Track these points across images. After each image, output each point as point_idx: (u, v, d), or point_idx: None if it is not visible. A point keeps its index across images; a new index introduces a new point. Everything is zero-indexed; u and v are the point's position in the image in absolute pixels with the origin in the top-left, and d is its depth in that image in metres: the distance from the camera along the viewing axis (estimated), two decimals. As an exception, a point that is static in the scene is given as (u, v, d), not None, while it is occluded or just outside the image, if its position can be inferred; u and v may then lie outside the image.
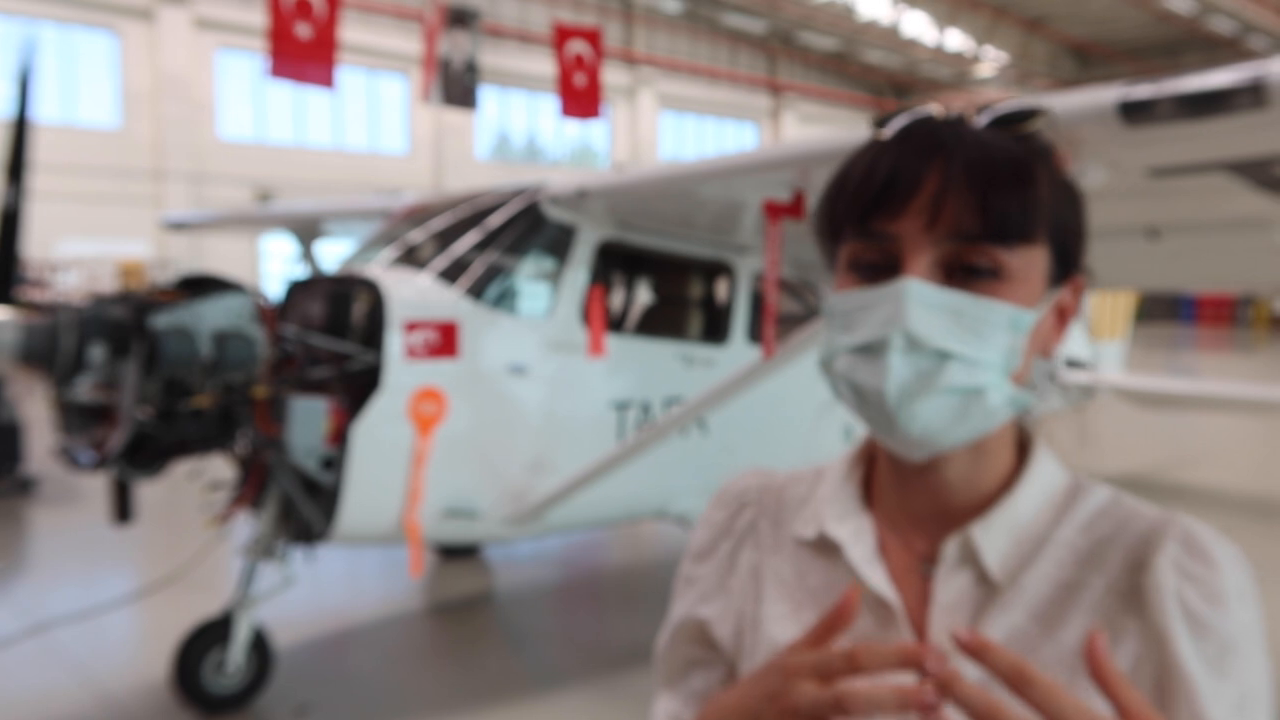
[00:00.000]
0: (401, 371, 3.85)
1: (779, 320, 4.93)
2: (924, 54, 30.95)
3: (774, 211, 3.47)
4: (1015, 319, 0.86)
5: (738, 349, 4.83)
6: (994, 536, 0.90)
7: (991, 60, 30.87)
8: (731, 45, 31.78)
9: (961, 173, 0.84)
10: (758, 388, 4.16)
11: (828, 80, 35.24)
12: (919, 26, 28.34)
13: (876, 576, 0.93)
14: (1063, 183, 0.90)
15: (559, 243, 4.41)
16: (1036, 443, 0.97)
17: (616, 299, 5.20)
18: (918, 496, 0.95)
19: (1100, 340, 8.59)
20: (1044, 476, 0.94)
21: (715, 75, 31.52)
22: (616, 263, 4.92)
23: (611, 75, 26.27)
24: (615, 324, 4.93)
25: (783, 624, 0.98)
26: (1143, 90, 2.61)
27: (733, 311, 4.95)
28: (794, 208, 3.47)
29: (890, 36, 29.15)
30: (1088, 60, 33.91)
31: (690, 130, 32.19)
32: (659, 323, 5.06)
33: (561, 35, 19.70)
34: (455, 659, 4.92)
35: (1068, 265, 0.90)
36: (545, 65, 22.07)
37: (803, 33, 30.94)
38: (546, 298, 4.44)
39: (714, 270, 5.05)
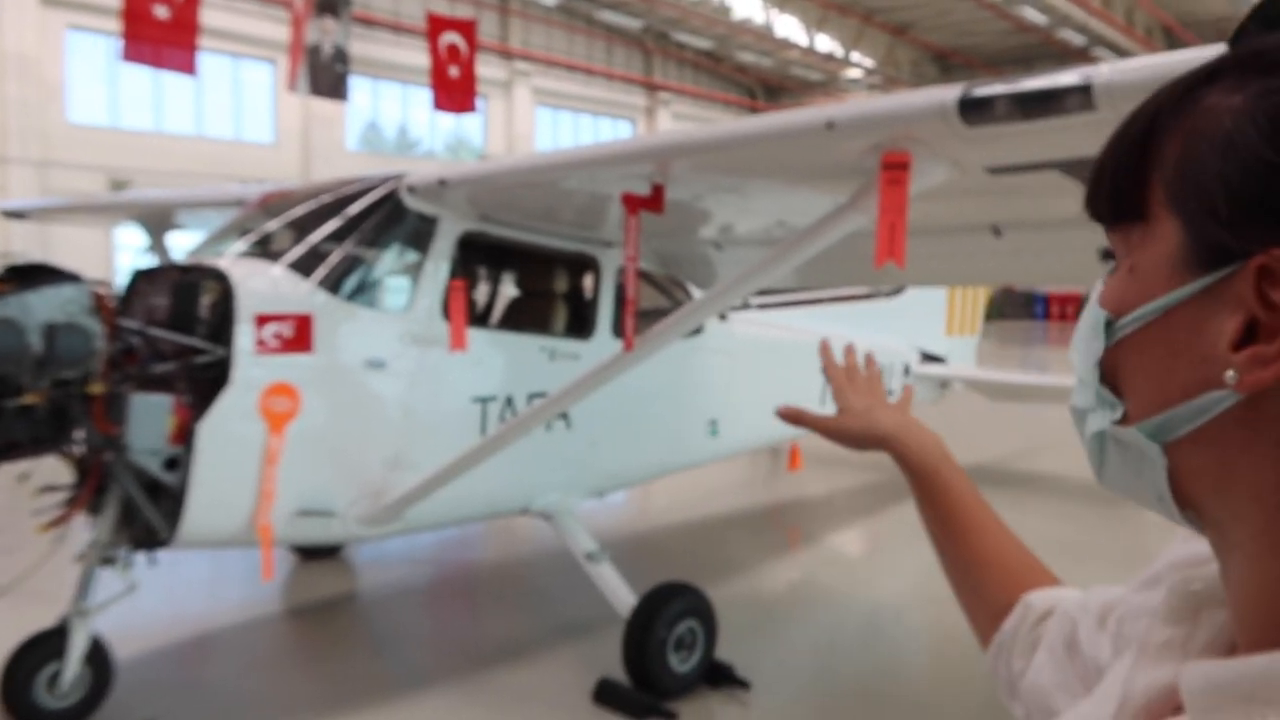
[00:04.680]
0: (252, 366, 3.70)
1: (645, 314, 4.95)
2: (795, 56, 31.66)
3: (632, 204, 3.48)
4: (1095, 320, 0.66)
5: (602, 343, 4.82)
6: (1207, 695, 0.56)
7: (859, 64, 31.79)
8: (608, 42, 31.85)
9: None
10: (623, 382, 4.16)
11: (702, 80, 35.70)
12: (790, 29, 28.95)
13: (1146, 672, 0.67)
14: (1248, 119, 0.57)
15: (419, 234, 4.32)
16: None
17: (479, 292, 5.12)
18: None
19: (954, 336, 8.94)
20: None
21: (591, 72, 31.54)
22: (479, 255, 4.84)
23: (487, 69, 25.99)
24: (478, 317, 4.86)
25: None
26: (981, 89, 2.71)
27: (598, 305, 4.94)
28: (653, 201, 3.48)
29: (763, 37, 29.71)
30: (950, 67, 35.27)
31: (566, 126, 32.12)
32: (523, 316, 5.01)
33: (435, 26, 19.35)
34: (315, 663, 4.77)
35: (1240, 239, 0.56)
36: (419, 56, 21.66)
37: (678, 31, 31.26)
38: (406, 290, 4.34)
39: (579, 264, 5.03)
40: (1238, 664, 0.56)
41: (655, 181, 3.45)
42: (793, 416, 1.42)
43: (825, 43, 29.94)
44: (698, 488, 8.22)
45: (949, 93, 2.72)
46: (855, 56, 31.24)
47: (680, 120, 34.64)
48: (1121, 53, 29.28)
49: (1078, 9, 24.87)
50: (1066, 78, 2.54)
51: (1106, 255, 0.69)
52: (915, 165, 2.87)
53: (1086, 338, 0.67)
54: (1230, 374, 0.56)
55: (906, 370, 7.96)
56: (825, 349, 1.47)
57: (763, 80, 37.40)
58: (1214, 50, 2.32)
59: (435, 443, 4.18)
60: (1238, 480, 0.59)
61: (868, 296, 7.81)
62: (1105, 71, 2.49)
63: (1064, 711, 0.85)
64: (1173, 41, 30.06)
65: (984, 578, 1.17)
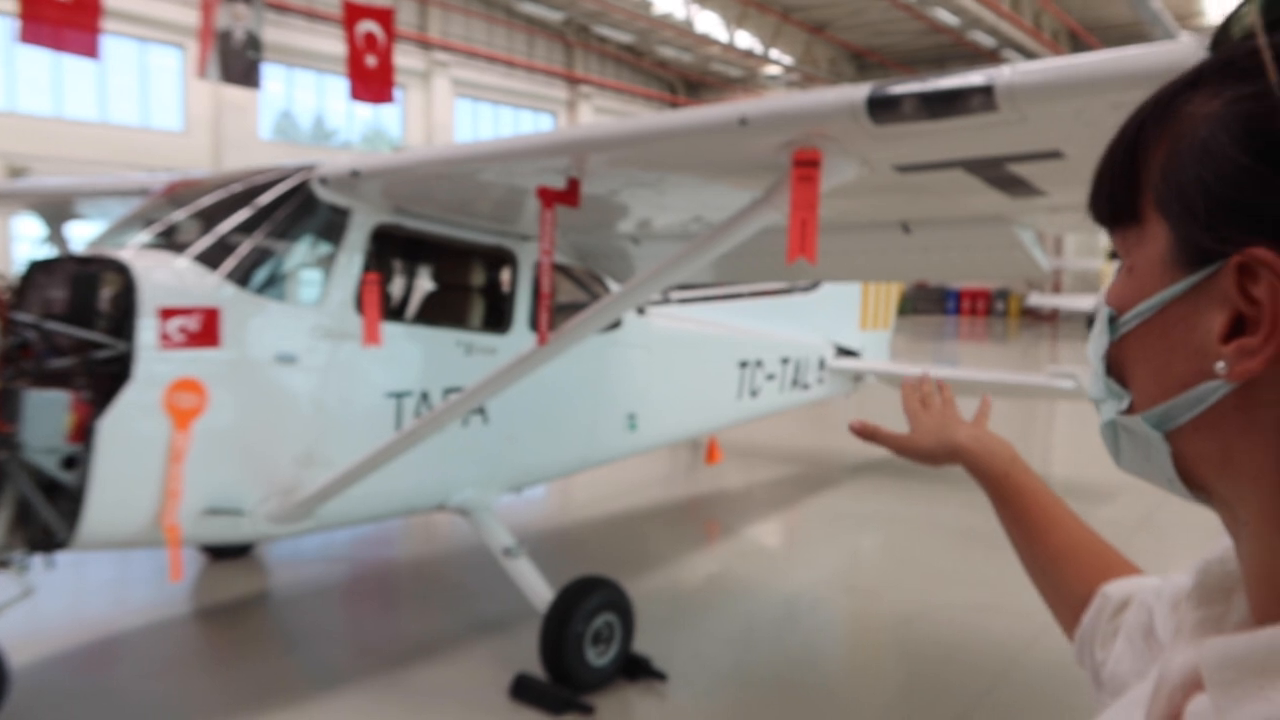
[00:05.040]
0: (155, 361, 3.59)
1: (562, 308, 4.94)
2: (715, 51, 31.87)
3: (548, 197, 3.47)
4: (1102, 317, 0.71)
5: (520, 337, 4.79)
6: (1225, 669, 0.59)
7: (778, 61, 32.13)
8: (529, 34, 31.63)
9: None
10: (541, 377, 4.14)
11: (623, 74, 35.71)
12: (711, 25, 29.14)
13: (1178, 653, 0.72)
14: (1228, 124, 0.60)
15: (332, 226, 4.24)
16: None
17: (394, 285, 5.05)
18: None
19: (868, 330, 9.11)
20: None
21: (512, 64, 31.28)
22: (394, 248, 4.77)
23: (405, 58, 25.57)
24: (393, 311, 4.79)
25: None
26: (888, 89, 2.76)
27: (515, 299, 4.91)
28: (568, 195, 3.47)
29: (684, 33, 29.84)
30: (866, 66, 35.88)
31: (487, 119, 31.81)
32: (438, 310, 4.95)
33: (352, 14, 18.93)
34: (225, 665, 4.65)
35: (1221, 239, 0.60)
36: (335, 44, 21.21)
37: (599, 25, 31.19)
38: (318, 284, 4.25)
39: (495, 257, 4.99)
40: (1250, 638, 0.59)
41: (571, 175, 3.45)
42: (868, 433, 1.47)
43: (745, 39, 30.20)
44: (616, 481, 8.24)
45: (858, 92, 2.77)
46: (774, 53, 31.56)
47: (602, 114, 34.59)
48: (1029, 55, 30.13)
49: (988, 11, 25.51)
50: (970, 79, 2.61)
51: (1113, 255, 0.72)
52: (826, 162, 2.92)
53: (1097, 333, 0.71)
54: (1221, 365, 0.60)
55: (821, 364, 8.09)
56: (906, 385, 1.53)
57: (684, 75, 37.56)
58: (1112, 54, 2.36)
59: (348, 439, 4.11)
60: (1238, 462, 0.63)
61: (785, 291, 7.91)
62: (1006, 74, 2.56)
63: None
64: (1078, 45, 31.03)
65: (1063, 572, 1.19)
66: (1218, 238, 0.60)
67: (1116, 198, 0.68)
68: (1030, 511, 1.25)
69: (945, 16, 26.19)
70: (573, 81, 33.80)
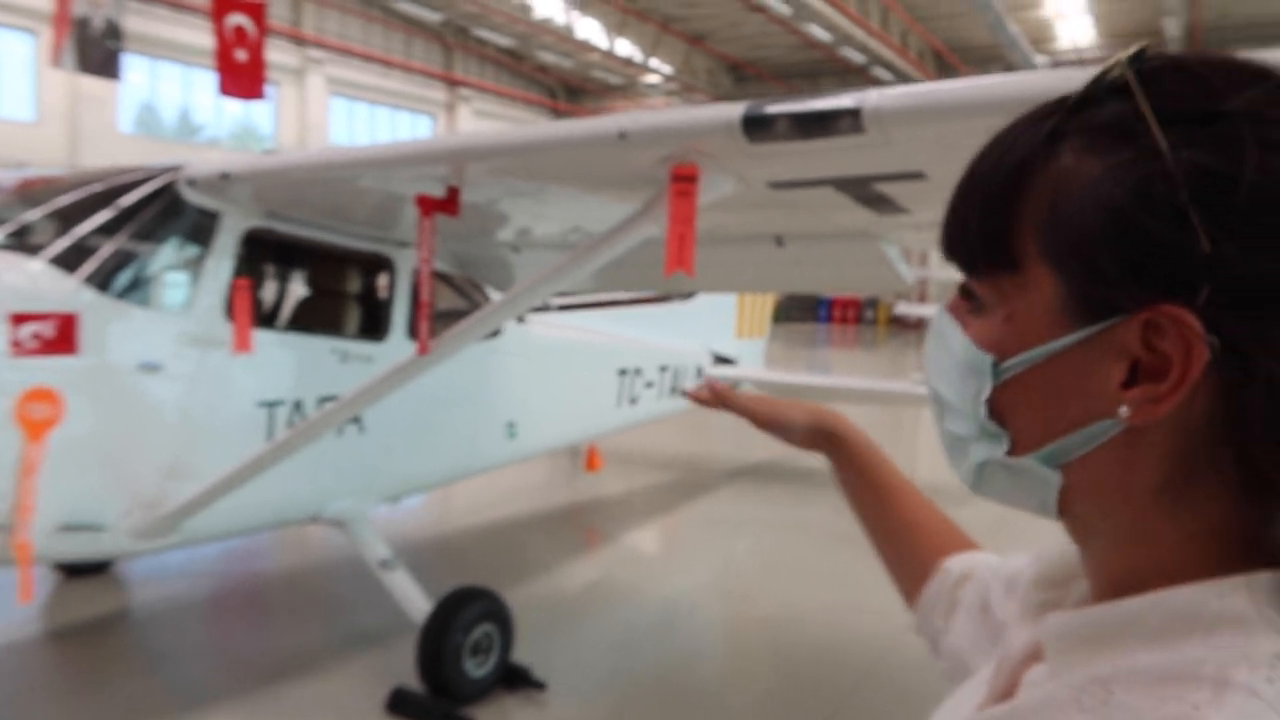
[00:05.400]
0: (5, 370, 3.41)
1: (442, 316, 4.89)
2: (596, 58, 32.00)
3: (427, 206, 3.44)
4: (973, 360, 0.73)
5: (397, 345, 4.73)
6: (1064, 638, 0.71)
7: (658, 70, 32.48)
8: (407, 34, 31.11)
9: (961, 180, 0.74)
10: (419, 385, 4.10)
11: (503, 77, 35.49)
12: (591, 31, 29.22)
13: (1023, 630, 0.83)
14: (1116, 183, 0.64)
15: (201, 229, 4.10)
16: (1228, 578, 0.65)
17: (267, 291, 4.92)
18: (1085, 564, 0.79)
19: (744, 338, 9.32)
20: (1152, 611, 0.67)
21: (389, 64, 30.71)
22: (267, 253, 4.64)
23: (278, 54, 24.79)
24: (265, 318, 4.66)
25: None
26: (763, 108, 2.85)
27: (392, 306, 4.84)
28: (447, 203, 3.45)
29: (564, 39, 29.86)
30: (743, 77, 36.60)
31: (363, 118, 31.13)
32: (313, 317, 4.84)
33: (221, 6, 18.24)
34: (82, 689, 4.43)
35: (1124, 294, 0.64)
36: (202, 37, 20.40)
37: (479, 28, 30.93)
38: (185, 289, 4.11)
39: (373, 263, 4.91)
40: (1083, 613, 0.70)
41: (450, 184, 3.43)
42: (718, 400, 1.47)
43: (625, 47, 30.40)
44: (495, 490, 8.19)
45: (734, 110, 2.85)
46: (654, 62, 31.88)
47: (481, 117, 34.29)
48: (897, 72, 31.29)
49: (858, 29, 26.38)
50: (839, 101, 2.71)
51: (965, 293, 0.75)
52: (703, 177, 2.99)
53: (962, 375, 0.74)
54: (1124, 410, 0.65)
55: (699, 372, 8.22)
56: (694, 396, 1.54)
57: (564, 81, 37.58)
58: (971, 82, 2.49)
59: (217, 450, 3.98)
60: (1112, 486, 0.69)
61: (663, 300, 8.02)
62: (873, 98, 2.67)
63: (979, 669, 0.96)
64: (942, 64, 32.40)
65: (911, 543, 1.26)
66: (1124, 294, 0.64)
67: (987, 246, 0.70)
68: (889, 481, 1.32)
69: (819, 33, 26.96)
70: (452, 84, 33.41)
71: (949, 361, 0.75)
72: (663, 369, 7.58)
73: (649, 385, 7.38)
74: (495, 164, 3.27)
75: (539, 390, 5.88)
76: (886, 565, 1.29)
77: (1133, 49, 0.68)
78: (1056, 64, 29.50)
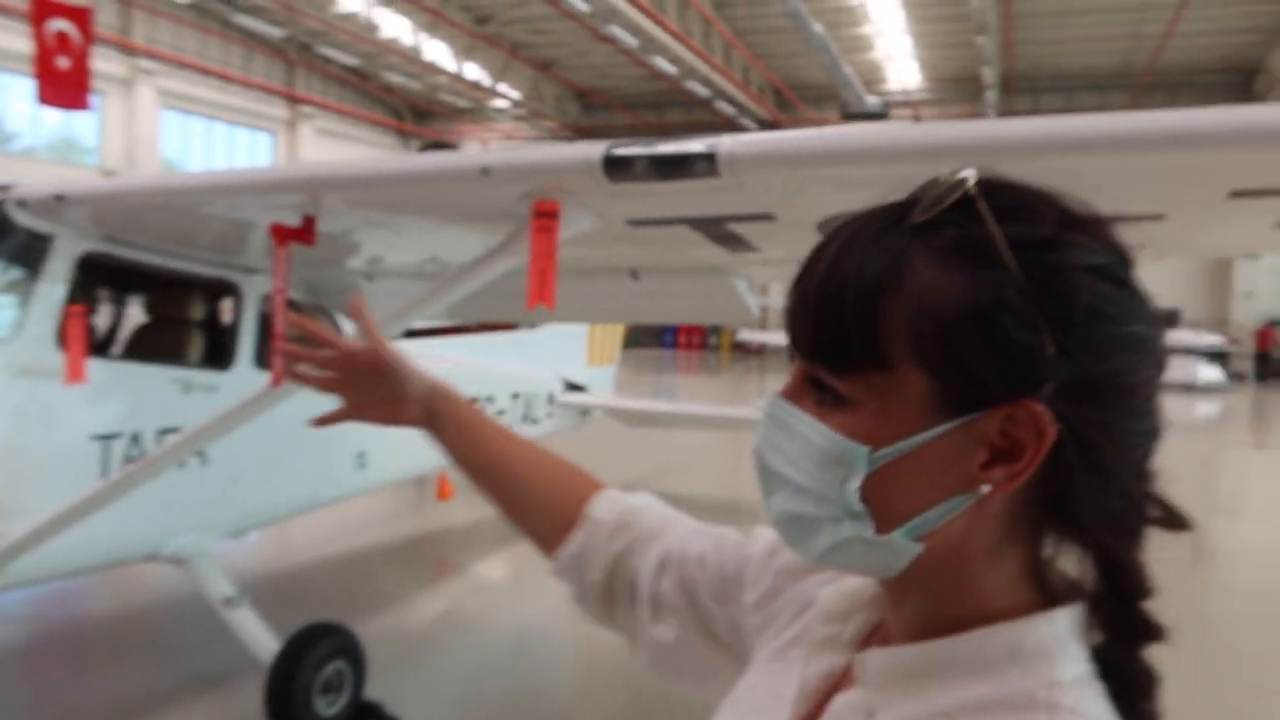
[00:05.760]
0: None
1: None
2: (444, 81, 31.71)
3: (282, 235, 3.37)
4: (842, 451, 0.79)
5: (243, 374, 4.58)
6: (890, 672, 0.82)
7: (506, 95, 32.47)
8: (246, 48, 30.03)
9: (815, 286, 0.80)
10: (265, 415, 3.98)
11: (348, 96, 34.71)
12: (439, 54, 28.95)
13: (816, 663, 0.93)
14: (981, 296, 0.74)
15: (30, 253, 3.87)
16: (1042, 615, 0.79)
17: (103, 318, 4.68)
18: (890, 609, 0.89)
19: (595, 365, 9.42)
20: (987, 646, 0.78)
21: (227, 78, 29.56)
22: (103, 278, 4.42)
23: (105, 63, 23.52)
24: (100, 346, 4.43)
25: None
26: (624, 150, 2.94)
27: (238, 335, 4.69)
28: (303, 232, 3.39)
29: (411, 60, 29.47)
30: (591, 106, 37.02)
31: (198, 134, 29.82)
32: (153, 346, 4.63)
33: (41, 10, 17.18)
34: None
35: (989, 391, 0.75)
36: (20, 41, 19.14)
37: (323, 45, 30.17)
38: (12, 315, 3.88)
39: (217, 290, 4.75)
40: (911, 649, 0.81)
41: (307, 213, 3.38)
42: (326, 421, 1.57)
43: (474, 71, 30.25)
44: (342, 521, 7.98)
45: (595, 150, 2.93)
46: (503, 87, 31.86)
47: (324, 136, 33.41)
48: (740, 106, 32.33)
49: (703, 64, 27.14)
50: (695, 146, 2.83)
51: (816, 384, 0.81)
52: (564, 214, 3.06)
53: (821, 463, 0.80)
54: (986, 487, 0.77)
55: (551, 399, 8.26)
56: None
57: (411, 103, 37.05)
58: (817, 132, 2.66)
59: (45, 487, 3.76)
60: (955, 548, 0.80)
61: (513, 326, 8.03)
62: (727, 143, 2.81)
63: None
64: (781, 100, 33.69)
65: (550, 497, 1.33)
66: (990, 392, 0.75)
67: (860, 350, 0.77)
68: (513, 444, 1.37)
69: (665, 65, 27.59)
70: (294, 101, 32.44)
71: (803, 450, 0.81)
72: (515, 396, 7.59)
73: (501, 413, 7.36)
74: (355, 195, 3.24)
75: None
76: (522, 527, 1.35)
77: (966, 174, 0.78)
78: (887, 104, 31.15)
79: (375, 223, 3.68)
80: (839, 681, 0.89)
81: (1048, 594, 0.81)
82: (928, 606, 0.83)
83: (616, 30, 24.10)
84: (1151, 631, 0.82)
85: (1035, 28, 26.77)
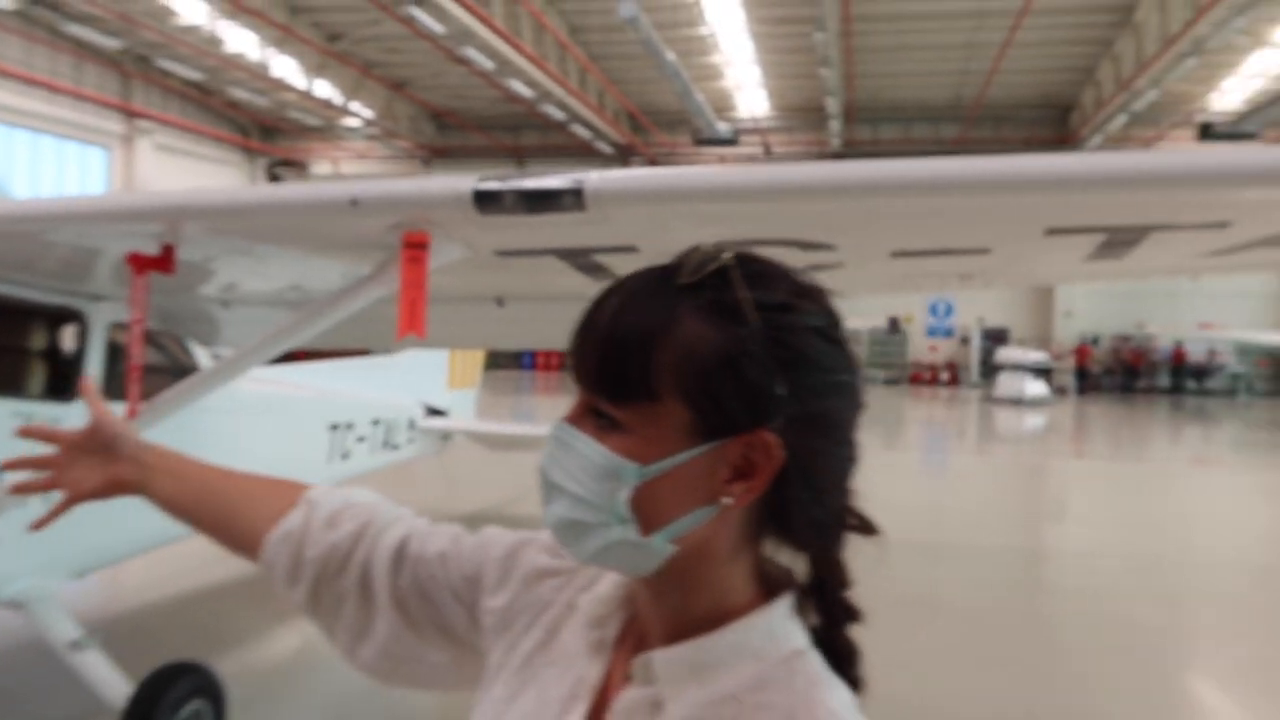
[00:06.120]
0: None
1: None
2: (293, 98, 30.85)
3: (140, 264, 3.30)
4: (615, 467, 0.95)
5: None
6: (674, 667, 0.98)
7: (358, 114, 31.84)
8: (77, 59, 28.43)
9: (601, 331, 0.97)
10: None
11: (190, 112, 33.31)
12: (288, 70, 28.12)
13: (592, 665, 1.07)
14: (731, 345, 0.93)
15: None
16: (775, 602, 1.01)
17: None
18: (647, 607, 1.05)
19: (456, 390, 9.39)
20: (749, 635, 0.98)
21: (55, 89, 27.91)
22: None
23: (-87, 70, 21.90)
24: (-72, 379, 4.19)
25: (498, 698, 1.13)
26: (493, 184, 3.03)
27: (83, 365, 4.51)
28: (162, 261, 3.33)
29: (258, 75, 28.54)
30: (446, 126, 36.69)
31: (24, 147, 28.01)
32: (-11, 377, 4.40)
33: None
34: None
35: (734, 422, 0.94)
36: None
37: (162, 58, 28.89)
38: None
39: (59, 318, 4.56)
40: (690, 646, 0.98)
41: (166, 242, 3.32)
42: (43, 523, 1.61)
43: (325, 89, 29.53)
44: (194, 555, 7.67)
45: (465, 183, 3.00)
46: (355, 106, 31.23)
47: (164, 152, 31.94)
48: (595, 130, 32.70)
49: (558, 87, 27.34)
50: (563, 181, 2.95)
51: (595, 411, 0.98)
52: (434, 245, 3.12)
53: (597, 477, 0.96)
54: (727, 499, 0.96)
55: (411, 424, 8.20)
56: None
57: (258, 119, 35.85)
58: (678, 171, 2.84)
59: None
60: (703, 550, 0.99)
61: (371, 351, 7.94)
62: (594, 179, 2.93)
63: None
64: (635, 124, 34.26)
65: (258, 500, 1.39)
66: (733, 421, 0.94)
67: (636, 385, 0.94)
68: (226, 472, 1.44)
69: (521, 88, 27.66)
70: (130, 115, 30.90)
71: (583, 466, 0.97)
72: (375, 422, 7.50)
73: (361, 439, 7.27)
74: (219, 224, 3.21)
75: (245, 448, 5.64)
76: (234, 534, 1.39)
77: (726, 254, 0.98)
78: (737, 130, 32.13)
79: (238, 251, 3.63)
80: (610, 681, 1.04)
81: (770, 586, 1.02)
82: (684, 602, 1.00)
83: (472, 52, 24.04)
84: (852, 614, 1.04)
85: (874, 62, 28.16)
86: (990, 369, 31.80)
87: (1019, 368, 29.01)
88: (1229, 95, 29.16)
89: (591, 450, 0.97)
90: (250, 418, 5.70)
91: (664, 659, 0.99)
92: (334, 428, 6.84)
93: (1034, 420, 24.96)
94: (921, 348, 36.30)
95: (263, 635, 6.06)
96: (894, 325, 34.91)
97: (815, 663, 0.99)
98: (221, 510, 1.38)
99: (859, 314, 32.17)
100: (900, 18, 24.73)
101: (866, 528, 1.06)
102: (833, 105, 28.76)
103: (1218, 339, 32.45)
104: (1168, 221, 2.86)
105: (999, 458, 19.49)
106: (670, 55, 21.96)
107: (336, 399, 6.99)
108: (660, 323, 0.95)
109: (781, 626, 0.99)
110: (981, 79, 29.18)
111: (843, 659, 1.02)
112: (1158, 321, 32.80)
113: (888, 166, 2.52)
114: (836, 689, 0.97)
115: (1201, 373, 34.65)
